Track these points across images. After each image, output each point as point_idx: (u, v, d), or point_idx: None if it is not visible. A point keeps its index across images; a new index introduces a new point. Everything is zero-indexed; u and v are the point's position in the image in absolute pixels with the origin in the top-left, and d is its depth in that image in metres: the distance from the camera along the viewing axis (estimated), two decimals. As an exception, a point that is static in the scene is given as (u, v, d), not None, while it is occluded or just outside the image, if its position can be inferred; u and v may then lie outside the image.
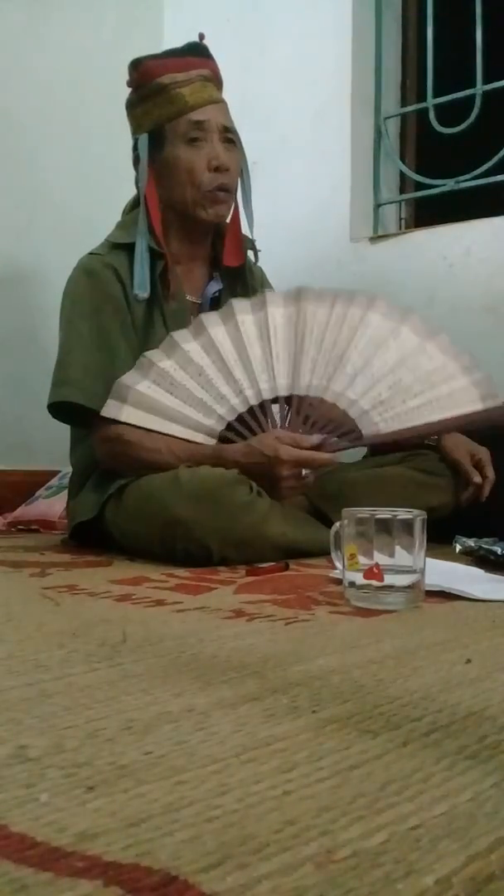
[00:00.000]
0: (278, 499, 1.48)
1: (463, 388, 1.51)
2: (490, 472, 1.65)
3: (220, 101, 1.67)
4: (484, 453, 1.66)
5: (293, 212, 2.43)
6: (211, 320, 1.59)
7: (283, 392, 1.55)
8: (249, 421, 1.54)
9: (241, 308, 1.60)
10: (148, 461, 1.50)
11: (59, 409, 1.62)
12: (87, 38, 2.57)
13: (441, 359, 1.53)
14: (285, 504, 1.50)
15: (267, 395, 1.54)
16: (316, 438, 1.50)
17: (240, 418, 1.54)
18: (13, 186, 2.40)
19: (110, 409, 1.53)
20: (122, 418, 1.52)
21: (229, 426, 1.54)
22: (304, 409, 1.54)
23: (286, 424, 1.55)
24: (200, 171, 1.63)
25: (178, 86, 1.63)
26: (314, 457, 1.47)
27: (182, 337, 1.58)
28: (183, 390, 1.54)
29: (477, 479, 1.64)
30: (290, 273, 2.17)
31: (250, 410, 1.54)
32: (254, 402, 1.54)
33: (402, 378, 1.51)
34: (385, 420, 1.51)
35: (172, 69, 1.64)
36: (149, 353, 1.57)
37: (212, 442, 1.53)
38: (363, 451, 1.89)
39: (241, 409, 1.54)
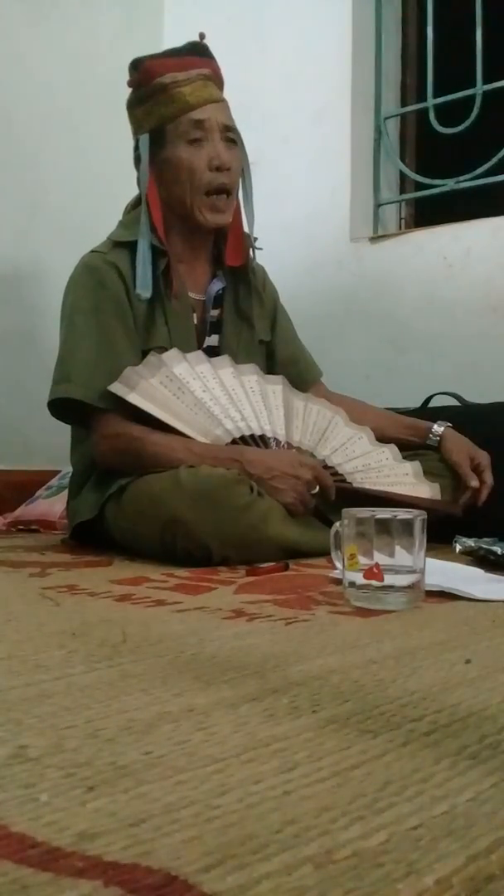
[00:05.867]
0: (289, 506, 1.47)
1: (418, 487, 1.63)
2: (488, 478, 1.64)
3: (221, 100, 1.67)
4: (484, 457, 1.66)
5: (293, 212, 2.43)
6: (216, 361, 1.63)
7: (280, 438, 1.61)
8: (251, 444, 1.56)
9: (247, 369, 1.67)
10: (156, 456, 1.49)
11: (59, 407, 1.62)
12: (87, 38, 2.57)
13: (395, 460, 1.68)
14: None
15: (269, 434, 1.59)
16: (331, 479, 1.55)
17: (243, 439, 1.55)
18: (13, 187, 2.40)
19: (118, 390, 1.52)
20: (129, 400, 1.51)
21: (234, 442, 1.54)
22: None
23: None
24: (201, 171, 1.63)
25: (179, 85, 1.63)
26: (328, 478, 1.52)
27: (191, 356, 1.60)
28: (190, 397, 1.55)
29: (474, 483, 1.63)
30: (290, 273, 2.17)
31: (252, 437, 1.57)
32: (257, 432, 1.57)
33: (371, 462, 1.65)
34: (363, 484, 1.59)
35: (173, 69, 1.64)
36: (157, 355, 1.57)
37: None
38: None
39: (246, 431, 1.56)
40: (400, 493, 1.57)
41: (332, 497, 1.51)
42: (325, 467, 1.58)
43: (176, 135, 1.63)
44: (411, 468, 1.66)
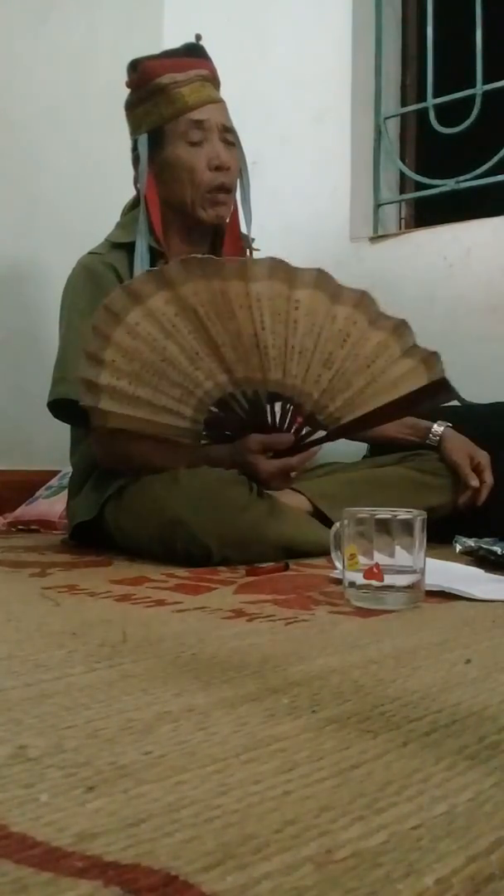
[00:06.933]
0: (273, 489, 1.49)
1: (408, 368, 1.41)
2: (488, 477, 1.65)
3: (220, 101, 1.68)
4: (484, 457, 1.66)
5: (293, 212, 2.43)
6: (118, 305, 1.39)
7: (227, 388, 1.43)
8: (219, 418, 1.47)
9: (145, 290, 1.37)
10: (144, 461, 1.50)
11: (58, 408, 1.62)
12: (87, 38, 2.57)
13: (380, 336, 1.40)
14: (283, 500, 1.50)
15: (216, 395, 1.44)
16: (288, 438, 1.48)
17: (212, 415, 1.46)
18: (13, 187, 2.40)
19: (96, 417, 1.45)
20: (111, 425, 1.44)
21: (206, 423, 1.47)
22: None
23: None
24: (201, 171, 1.63)
25: (178, 86, 1.63)
26: (292, 463, 1.48)
27: (114, 300, 1.39)
28: (145, 390, 1.42)
29: (474, 482, 1.64)
30: (290, 273, 2.16)
31: (219, 404, 1.45)
32: (214, 394, 1.44)
33: (345, 359, 1.40)
34: (337, 407, 1.43)
35: (171, 69, 1.64)
36: (90, 348, 1.40)
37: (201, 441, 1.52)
38: (363, 449, 1.89)
39: (208, 402, 1.44)
40: (381, 405, 1.42)
41: (316, 453, 1.51)
42: (297, 418, 1.46)
43: (175, 135, 1.64)
44: (398, 345, 1.39)
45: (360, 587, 1.00)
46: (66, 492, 1.81)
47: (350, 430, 1.50)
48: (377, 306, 1.41)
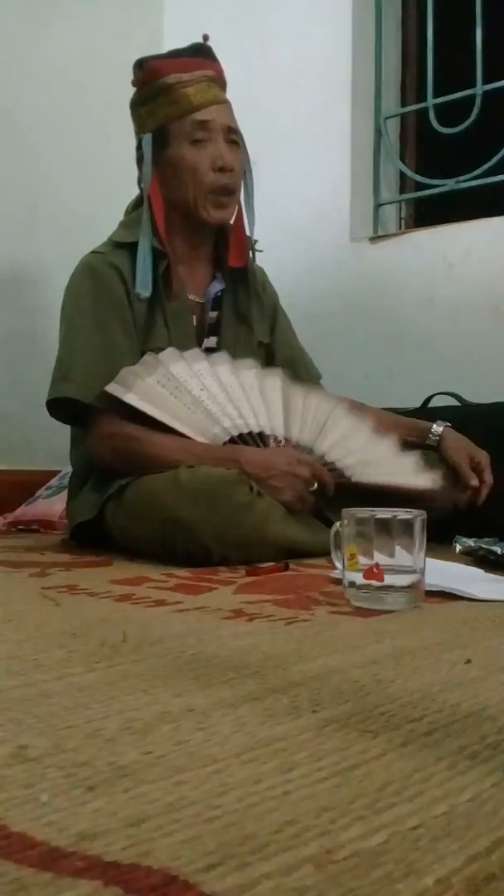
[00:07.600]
0: (288, 504, 1.48)
1: (419, 477, 1.61)
2: (488, 477, 1.65)
3: (225, 102, 1.68)
4: (484, 457, 1.66)
5: (293, 212, 2.43)
6: (214, 357, 1.63)
7: (279, 435, 1.61)
8: (249, 442, 1.56)
9: (245, 364, 1.66)
10: (154, 457, 1.49)
11: (58, 407, 1.62)
12: (87, 38, 2.57)
13: (394, 453, 1.66)
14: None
15: (267, 431, 1.59)
16: (327, 472, 1.55)
17: (241, 437, 1.56)
18: (14, 186, 2.40)
19: (114, 390, 1.52)
20: (126, 400, 1.51)
21: (232, 440, 1.55)
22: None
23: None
24: (204, 171, 1.63)
25: (183, 86, 1.63)
26: (325, 478, 1.52)
27: (189, 354, 1.60)
28: (188, 396, 1.55)
29: (474, 482, 1.64)
30: (290, 273, 2.17)
31: (250, 434, 1.57)
32: (255, 429, 1.57)
33: (370, 456, 1.63)
34: (362, 477, 1.59)
35: (177, 69, 1.64)
36: (154, 355, 1.57)
37: None
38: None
39: (244, 429, 1.56)
40: (399, 483, 1.55)
41: (332, 492, 1.52)
42: (324, 463, 1.58)
43: (179, 135, 1.64)
44: (411, 460, 1.64)
45: (360, 587, 1.00)
46: (66, 492, 1.81)
47: (357, 489, 1.56)
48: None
